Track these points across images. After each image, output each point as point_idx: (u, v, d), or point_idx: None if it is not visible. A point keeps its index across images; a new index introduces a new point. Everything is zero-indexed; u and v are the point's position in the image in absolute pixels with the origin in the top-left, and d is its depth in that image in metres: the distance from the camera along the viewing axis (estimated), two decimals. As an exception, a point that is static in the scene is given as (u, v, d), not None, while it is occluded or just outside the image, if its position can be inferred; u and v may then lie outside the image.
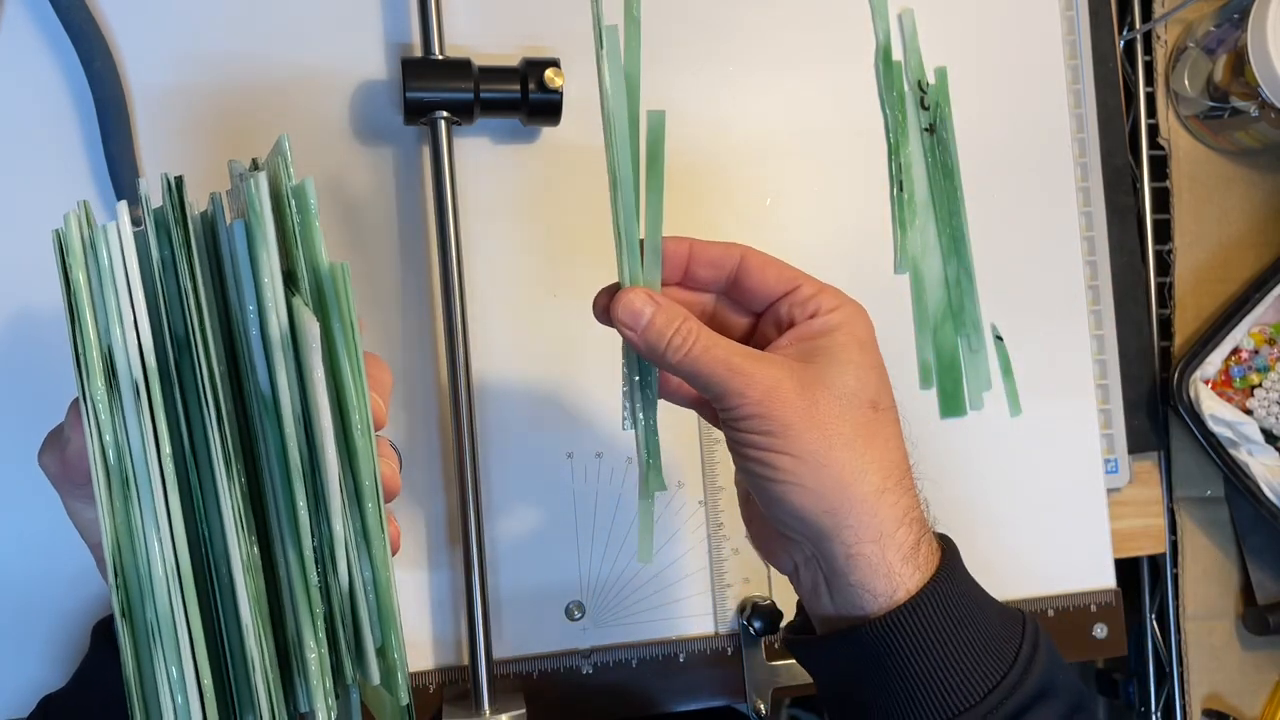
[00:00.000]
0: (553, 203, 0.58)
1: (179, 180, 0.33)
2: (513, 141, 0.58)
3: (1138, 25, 0.68)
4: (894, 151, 0.62)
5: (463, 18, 0.57)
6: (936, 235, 0.62)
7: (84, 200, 0.33)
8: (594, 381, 0.58)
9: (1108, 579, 0.63)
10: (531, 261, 0.58)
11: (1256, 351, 0.66)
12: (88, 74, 0.52)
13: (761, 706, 0.59)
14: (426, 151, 0.57)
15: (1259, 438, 0.64)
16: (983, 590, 0.42)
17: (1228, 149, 0.68)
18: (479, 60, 0.54)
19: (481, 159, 0.58)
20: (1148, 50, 0.68)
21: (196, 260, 0.33)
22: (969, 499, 0.62)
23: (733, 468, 0.59)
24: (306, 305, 0.33)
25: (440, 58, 0.54)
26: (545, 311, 0.58)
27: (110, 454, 0.32)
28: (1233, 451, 0.64)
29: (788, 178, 0.61)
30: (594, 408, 0.58)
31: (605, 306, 0.41)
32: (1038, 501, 0.63)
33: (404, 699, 0.35)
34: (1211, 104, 0.65)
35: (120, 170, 0.53)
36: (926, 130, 0.63)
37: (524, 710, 0.54)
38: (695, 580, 0.59)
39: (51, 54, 0.53)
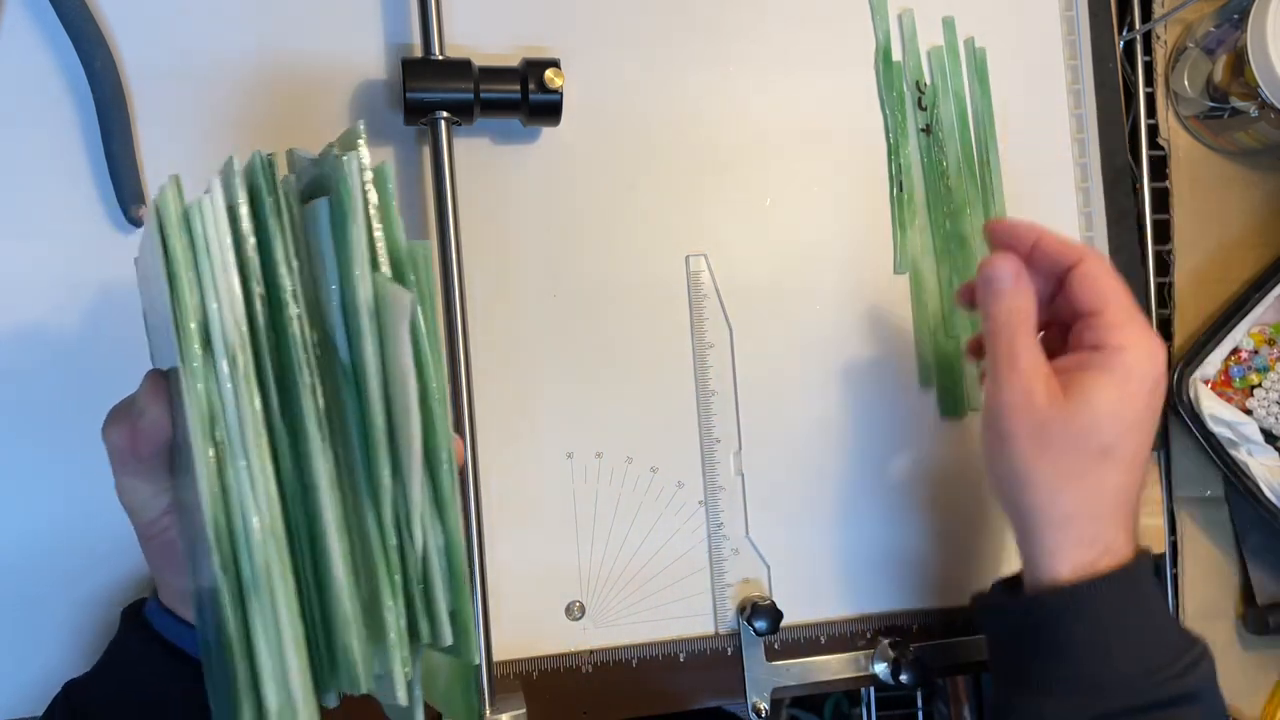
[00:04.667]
0: (553, 203, 0.58)
1: (270, 159, 0.35)
2: (513, 141, 0.58)
3: (1137, 25, 0.68)
4: (894, 152, 0.62)
5: (463, 18, 0.58)
6: (932, 236, 0.62)
7: (176, 174, 0.35)
8: (594, 381, 0.58)
9: (1108, 579, 0.63)
10: (531, 261, 0.58)
11: (1256, 352, 0.66)
12: (88, 74, 0.52)
13: (761, 707, 0.59)
14: (426, 151, 0.57)
15: (1259, 438, 0.64)
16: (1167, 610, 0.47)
17: (1228, 149, 0.68)
18: (479, 60, 0.54)
19: (481, 159, 0.58)
20: (1147, 50, 0.68)
21: (287, 235, 0.35)
22: (969, 499, 0.62)
23: (732, 468, 0.60)
24: (392, 282, 0.35)
25: (440, 58, 0.54)
26: (545, 311, 0.58)
27: (207, 418, 0.33)
28: (1232, 451, 0.64)
29: (788, 178, 0.61)
30: (594, 408, 0.58)
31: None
32: (1038, 501, 0.63)
33: (475, 658, 0.37)
34: (1211, 104, 0.65)
35: (120, 170, 0.53)
36: (923, 130, 0.63)
37: (524, 710, 0.53)
38: (695, 580, 0.59)
39: (51, 54, 0.53)
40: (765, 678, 0.59)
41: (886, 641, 0.60)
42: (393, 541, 0.35)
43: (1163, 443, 0.67)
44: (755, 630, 0.57)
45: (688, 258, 0.60)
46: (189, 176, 0.54)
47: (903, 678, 0.58)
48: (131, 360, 0.53)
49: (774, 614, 0.57)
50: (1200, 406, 0.64)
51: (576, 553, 0.58)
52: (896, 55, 0.63)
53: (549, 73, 0.54)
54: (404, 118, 0.54)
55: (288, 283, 0.34)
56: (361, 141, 0.35)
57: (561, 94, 0.55)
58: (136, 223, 0.53)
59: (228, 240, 0.34)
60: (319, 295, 0.35)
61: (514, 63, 0.55)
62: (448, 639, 0.36)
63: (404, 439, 0.34)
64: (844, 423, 0.61)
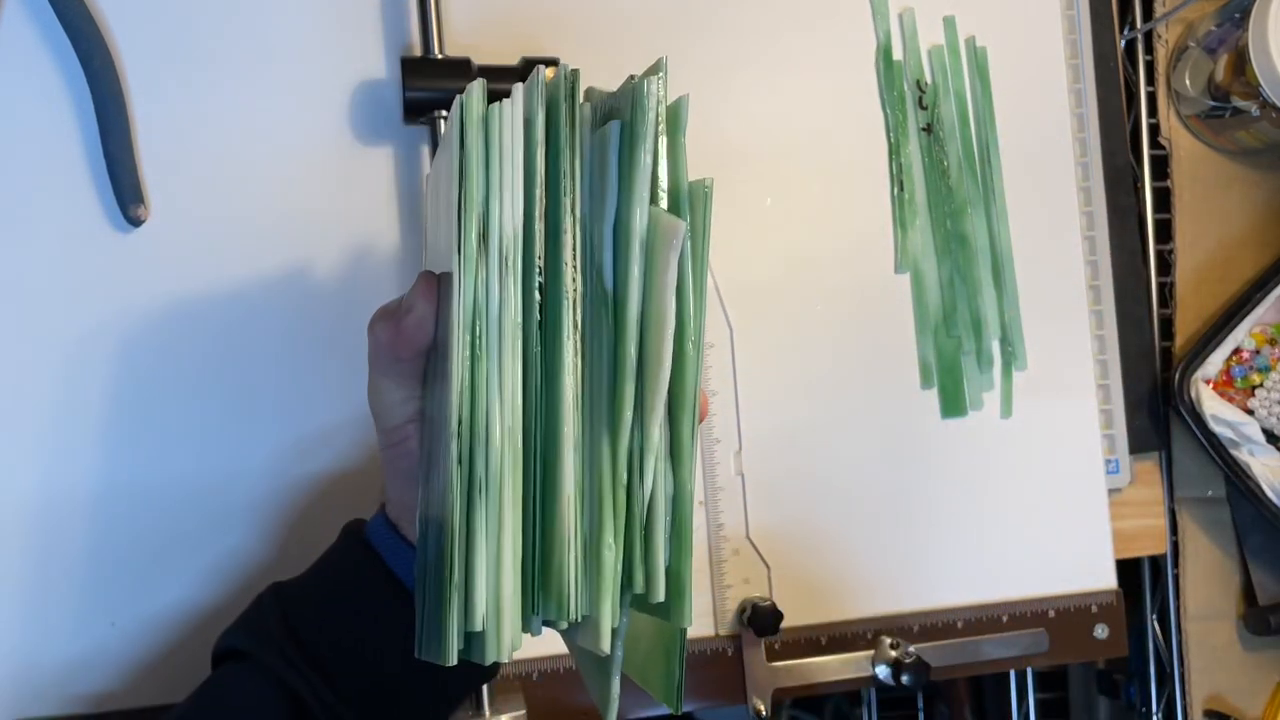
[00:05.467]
0: (553, 202, 0.58)
1: (575, 72, 0.36)
2: (512, 141, 0.58)
3: (1139, 24, 0.68)
4: (894, 151, 0.62)
5: (463, 18, 0.57)
6: (932, 235, 0.62)
7: (482, 80, 0.35)
8: (594, 381, 0.58)
9: (1109, 579, 0.63)
10: (531, 261, 0.58)
11: (1258, 351, 0.66)
12: (87, 74, 0.52)
13: (761, 707, 0.58)
14: (426, 151, 0.57)
15: (1260, 438, 0.64)
16: None
17: (1229, 149, 0.68)
18: (478, 60, 0.54)
19: (481, 159, 0.58)
20: (1149, 50, 0.68)
21: (577, 148, 0.35)
22: (970, 499, 0.62)
23: (732, 468, 0.60)
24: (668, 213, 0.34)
25: (440, 57, 0.54)
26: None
27: (469, 311, 0.33)
28: (1234, 452, 0.64)
29: (788, 178, 0.61)
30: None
31: None
32: (1039, 501, 0.63)
33: (686, 621, 0.35)
34: (1212, 103, 0.65)
35: (119, 170, 0.53)
36: (924, 130, 0.62)
37: (524, 710, 0.53)
38: (695, 581, 0.59)
39: (51, 54, 0.53)
40: (765, 679, 0.59)
41: (887, 642, 0.60)
42: (623, 479, 0.34)
43: (1164, 443, 0.67)
44: (755, 631, 0.57)
45: (688, 257, 0.60)
46: (188, 175, 0.54)
47: (904, 679, 0.58)
48: (132, 359, 0.53)
49: (774, 615, 0.57)
50: (1202, 406, 0.63)
51: (576, 553, 0.58)
52: (897, 54, 0.63)
53: (547, 71, 0.54)
54: (404, 117, 0.54)
55: (569, 196, 0.35)
56: (663, 73, 0.35)
57: (561, 93, 0.55)
58: (135, 222, 0.53)
59: (520, 145, 0.34)
60: (597, 218, 0.35)
61: (513, 62, 0.55)
62: (660, 594, 0.34)
63: (651, 375, 0.34)
64: (844, 423, 0.61)
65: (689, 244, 0.34)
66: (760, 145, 0.61)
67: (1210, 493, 0.67)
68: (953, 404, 0.62)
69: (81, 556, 0.53)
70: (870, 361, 0.61)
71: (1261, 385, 0.65)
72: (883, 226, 0.62)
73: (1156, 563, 0.69)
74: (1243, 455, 0.64)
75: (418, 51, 0.56)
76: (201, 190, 0.54)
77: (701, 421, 0.36)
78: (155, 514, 0.53)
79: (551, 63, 0.55)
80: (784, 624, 0.57)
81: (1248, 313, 0.65)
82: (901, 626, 0.61)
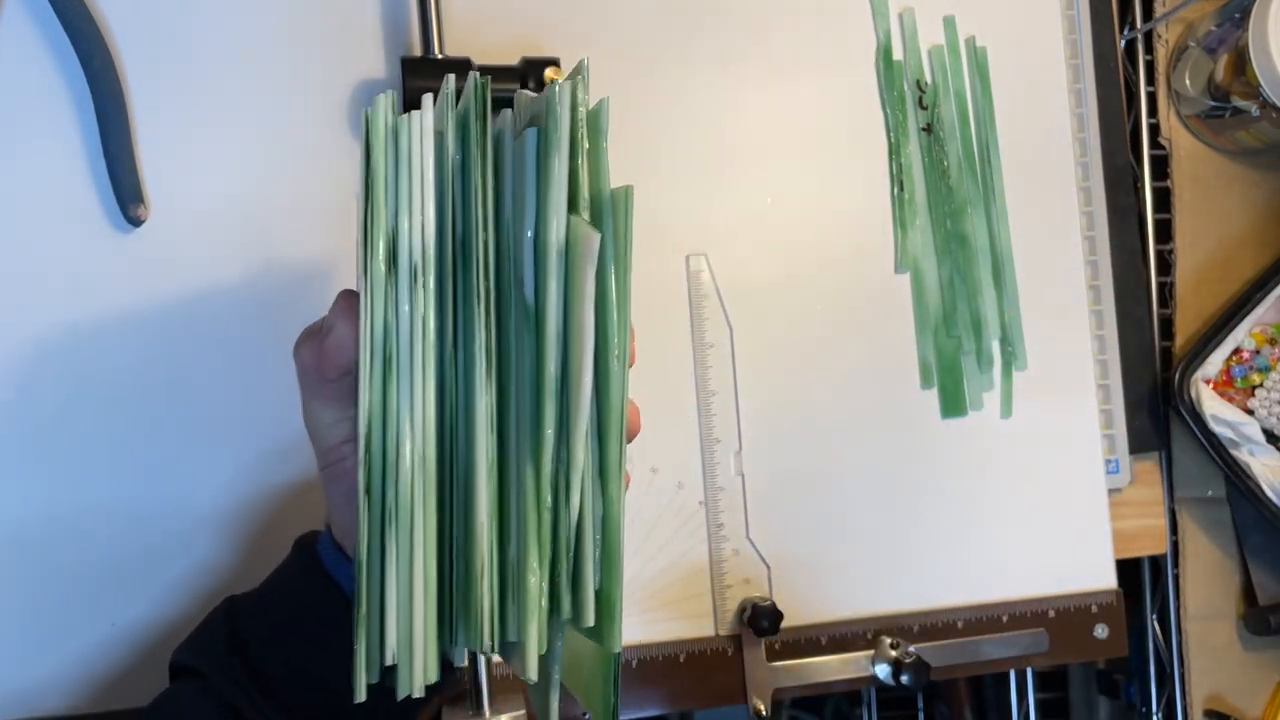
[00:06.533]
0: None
1: (487, 80, 0.34)
2: (512, 141, 0.58)
3: (1139, 24, 0.68)
4: (894, 151, 0.62)
5: (463, 18, 0.57)
6: (932, 235, 0.62)
7: (391, 90, 0.34)
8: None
9: (1109, 579, 0.63)
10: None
11: (1258, 351, 0.66)
12: (87, 73, 0.52)
13: (761, 707, 0.58)
14: (426, 151, 0.57)
15: (1260, 438, 0.64)
16: None
17: (1229, 149, 0.68)
18: (479, 60, 0.54)
19: (481, 159, 0.58)
20: (1149, 49, 0.68)
21: (488, 158, 0.34)
22: (970, 499, 0.62)
23: (732, 468, 0.60)
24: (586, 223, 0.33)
25: (440, 57, 0.54)
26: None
27: (379, 333, 0.32)
28: (1234, 452, 0.64)
29: (788, 178, 0.61)
30: (594, 408, 0.58)
31: None
32: (1038, 501, 0.63)
33: (615, 647, 0.33)
34: (1212, 103, 0.65)
35: (119, 169, 0.53)
36: (924, 130, 0.62)
37: (524, 710, 0.53)
38: (695, 581, 0.59)
39: (51, 54, 0.53)
40: (765, 678, 0.59)
41: (887, 642, 0.60)
42: (547, 501, 0.33)
43: (1164, 443, 0.67)
44: (755, 631, 0.57)
45: (688, 258, 0.60)
46: (188, 175, 0.54)
47: (904, 679, 0.58)
48: (131, 359, 0.53)
49: (774, 615, 0.57)
50: (1202, 406, 0.63)
51: (576, 553, 0.58)
52: (897, 54, 0.63)
53: (548, 71, 0.54)
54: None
55: (481, 209, 0.33)
56: (583, 75, 0.34)
57: (561, 93, 0.55)
58: (135, 222, 0.53)
59: (430, 160, 0.33)
60: (518, 231, 0.34)
61: (514, 62, 0.55)
62: (590, 619, 0.33)
63: (573, 393, 0.32)
64: (844, 423, 0.61)
65: (610, 256, 0.33)
66: (760, 145, 0.61)
67: (1210, 493, 0.67)
68: (953, 404, 0.62)
69: (75, 560, 0.53)
70: (870, 361, 0.61)
71: (1261, 385, 0.65)
72: (883, 226, 0.62)
73: (1156, 563, 0.69)
74: (1243, 455, 0.64)
75: (418, 51, 0.56)
76: (201, 190, 0.54)
77: (631, 440, 0.35)
78: (153, 515, 0.53)
79: (552, 63, 0.55)
80: (784, 624, 0.57)
81: (1248, 313, 0.65)
82: (901, 626, 0.61)
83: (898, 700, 0.82)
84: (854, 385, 0.61)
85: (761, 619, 0.57)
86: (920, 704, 0.82)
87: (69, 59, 0.53)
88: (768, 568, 0.60)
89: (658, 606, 0.59)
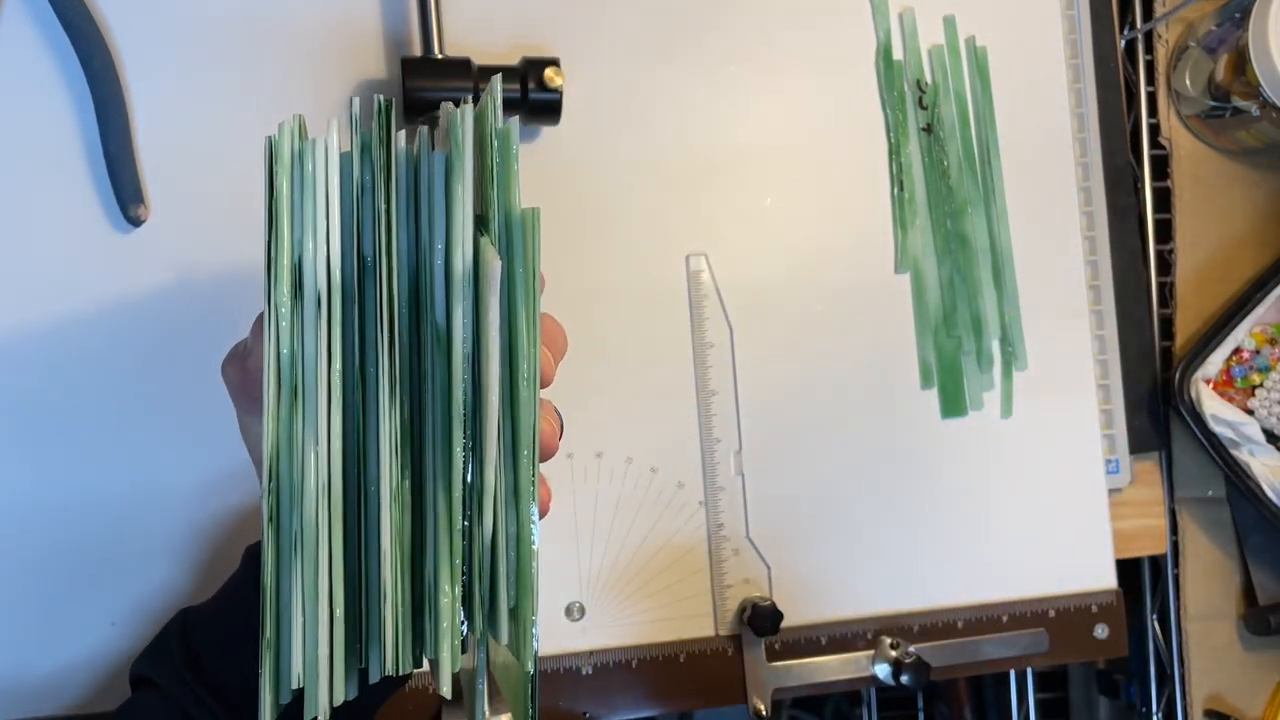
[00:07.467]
0: (551, 202, 0.58)
1: (389, 104, 0.33)
2: (512, 141, 0.58)
3: (1139, 24, 0.68)
4: (894, 151, 0.62)
5: (463, 18, 0.57)
6: (932, 235, 0.62)
7: (299, 114, 0.33)
8: (594, 382, 0.58)
9: (1109, 579, 0.63)
10: (531, 261, 0.58)
11: (1258, 351, 0.66)
12: (87, 74, 0.52)
13: (761, 707, 0.58)
14: (426, 151, 0.57)
15: (1260, 438, 0.64)
16: None
17: (1229, 148, 0.68)
18: (479, 60, 0.54)
19: (481, 159, 0.58)
20: (1149, 49, 0.68)
21: (394, 183, 0.33)
22: (970, 499, 0.62)
23: (732, 468, 0.60)
24: (493, 246, 0.33)
25: (440, 57, 0.54)
26: (544, 310, 0.58)
27: (284, 361, 0.32)
28: (1234, 451, 0.64)
29: (788, 178, 0.61)
30: (594, 408, 0.58)
31: None
32: (1039, 501, 0.63)
33: (529, 668, 0.34)
34: (1213, 103, 0.65)
35: (119, 169, 0.53)
36: (924, 130, 0.62)
37: (523, 711, 0.53)
38: (695, 581, 0.59)
39: (51, 54, 0.53)
40: (766, 678, 0.59)
41: (887, 642, 0.60)
42: (459, 523, 0.33)
43: (1164, 443, 0.67)
44: (755, 631, 0.57)
45: (688, 258, 0.60)
46: (188, 174, 0.54)
47: (904, 678, 0.58)
48: (131, 358, 0.53)
49: (774, 615, 0.57)
50: (1202, 406, 0.63)
51: (576, 554, 0.58)
52: (897, 54, 0.63)
53: (549, 71, 0.54)
54: (404, 117, 0.54)
55: (385, 235, 0.33)
56: (499, 97, 0.34)
57: (561, 93, 0.55)
58: (135, 222, 0.53)
59: (335, 185, 0.33)
60: (432, 252, 0.34)
61: (514, 62, 0.55)
62: (504, 637, 0.34)
63: (484, 416, 0.32)
64: (844, 423, 0.61)
65: (519, 278, 0.33)
66: (760, 145, 0.61)
67: (1210, 493, 0.67)
68: (953, 404, 0.62)
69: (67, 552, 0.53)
70: (870, 361, 0.61)
71: (1261, 385, 0.65)
72: (883, 226, 0.62)
73: (1156, 563, 0.69)
74: (1243, 455, 0.64)
75: (418, 51, 0.56)
76: (201, 190, 0.54)
77: (546, 460, 0.36)
78: (154, 515, 0.53)
79: (552, 63, 0.55)
80: (784, 624, 0.57)
81: (1248, 313, 0.65)
82: (901, 626, 0.61)
83: (898, 700, 0.82)
84: (854, 385, 0.61)
85: (762, 619, 0.57)
86: (920, 704, 0.82)
87: (69, 59, 0.53)
88: (768, 568, 0.60)
89: (658, 606, 0.59)
